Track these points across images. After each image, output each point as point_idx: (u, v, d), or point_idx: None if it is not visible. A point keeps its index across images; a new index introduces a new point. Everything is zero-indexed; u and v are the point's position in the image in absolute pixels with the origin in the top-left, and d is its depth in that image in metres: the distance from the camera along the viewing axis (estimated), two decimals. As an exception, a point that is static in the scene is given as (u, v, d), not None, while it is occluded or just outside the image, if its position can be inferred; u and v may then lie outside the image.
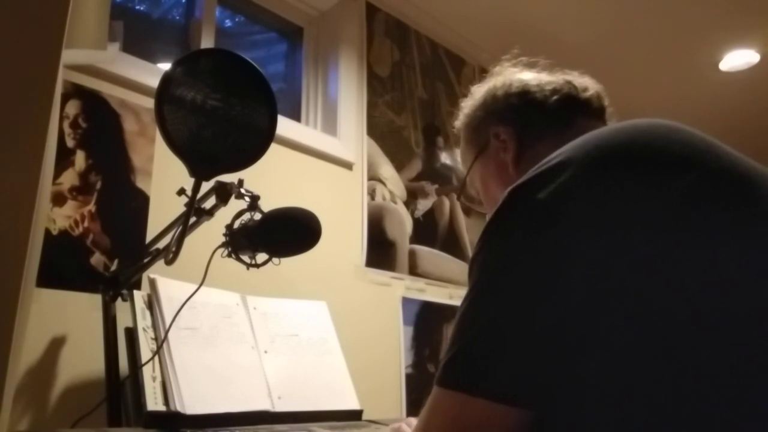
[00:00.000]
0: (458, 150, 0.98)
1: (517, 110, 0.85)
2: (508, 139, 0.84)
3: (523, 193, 0.55)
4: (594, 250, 0.50)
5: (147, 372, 0.99)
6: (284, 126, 1.47)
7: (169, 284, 1.11)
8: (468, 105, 0.93)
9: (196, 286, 1.00)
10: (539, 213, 0.53)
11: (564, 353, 0.49)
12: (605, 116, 0.86)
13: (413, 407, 1.81)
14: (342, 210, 1.82)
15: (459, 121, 0.95)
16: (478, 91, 0.92)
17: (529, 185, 0.55)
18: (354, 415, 1.20)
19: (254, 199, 0.96)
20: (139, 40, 1.59)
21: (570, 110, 0.82)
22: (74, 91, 1.30)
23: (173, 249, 0.90)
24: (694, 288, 0.48)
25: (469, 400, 0.51)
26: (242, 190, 0.95)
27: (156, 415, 0.96)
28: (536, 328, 0.50)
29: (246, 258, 0.97)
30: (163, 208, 1.32)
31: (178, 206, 0.90)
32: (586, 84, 0.85)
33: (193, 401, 0.98)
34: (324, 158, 1.80)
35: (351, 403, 1.21)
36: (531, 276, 0.51)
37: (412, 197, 2.07)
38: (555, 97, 0.83)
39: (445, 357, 0.54)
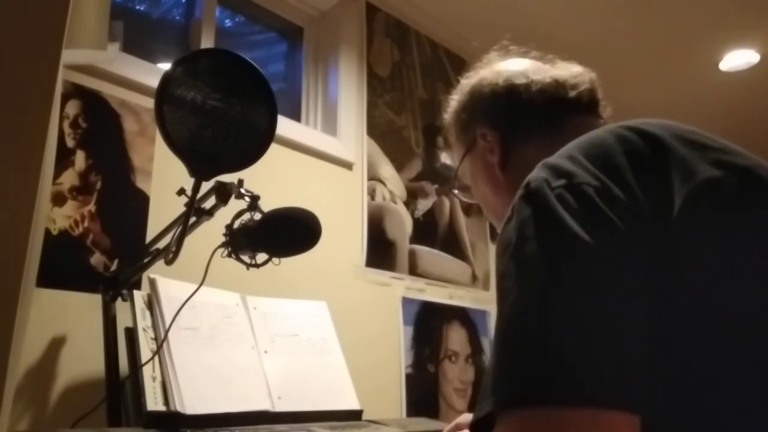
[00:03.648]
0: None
1: (503, 113, 0.83)
2: (494, 143, 0.83)
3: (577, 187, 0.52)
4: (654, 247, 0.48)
5: (147, 372, 0.99)
6: (284, 126, 1.47)
7: (169, 284, 1.11)
8: (456, 100, 0.91)
9: (196, 286, 1.00)
10: (596, 208, 0.49)
11: (660, 351, 0.46)
12: (598, 109, 0.83)
13: (413, 407, 1.81)
14: (342, 210, 1.81)
15: (447, 116, 0.93)
16: (466, 86, 0.89)
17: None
18: (354, 415, 1.20)
19: (254, 199, 0.96)
20: (139, 40, 1.59)
21: (558, 111, 0.80)
22: (74, 91, 1.30)
23: (173, 249, 0.90)
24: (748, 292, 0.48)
25: (576, 412, 0.42)
26: (242, 190, 0.95)
27: (156, 415, 0.96)
28: (632, 324, 0.45)
29: (246, 258, 0.97)
30: (163, 208, 1.32)
31: (178, 206, 0.90)
32: (577, 80, 0.82)
33: (193, 401, 0.98)
34: (324, 158, 1.80)
35: (351, 403, 1.21)
36: (617, 269, 0.47)
37: (412, 197, 2.07)
38: (542, 99, 0.80)
39: (509, 369, 0.46)
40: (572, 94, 0.80)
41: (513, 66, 0.87)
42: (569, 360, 0.43)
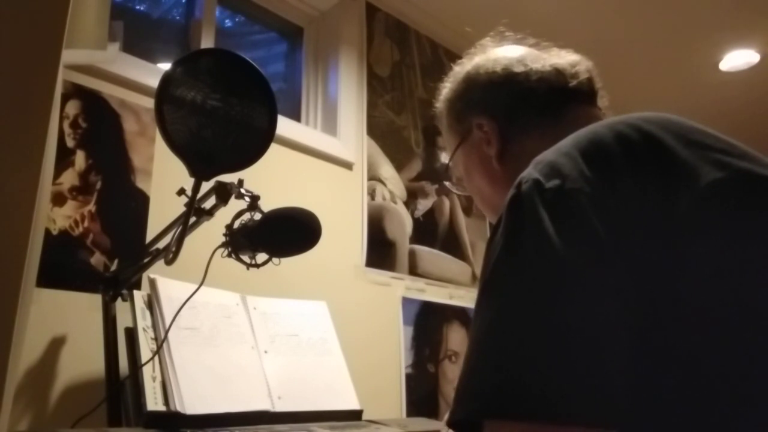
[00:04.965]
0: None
1: (502, 103, 0.79)
2: (491, 133, 0.79)
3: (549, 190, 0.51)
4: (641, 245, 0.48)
5: (147, 372, 0.99)
6: (284, 126, 1.47)
7: (169, 284, 1.11)
8: (449, 88, 0.87)
9: (196, 286, 1.00)
10: (570, 209, 0.50)
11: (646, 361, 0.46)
12: (596, 99, 0.80)
13: (413, 407, 1.81)
14: (342, 210, 1.81)
15: (440, 104, 0.90)
16: (460, 73, 0.86)
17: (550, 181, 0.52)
18: (354, 415, 1.20)
19: (254, 199, 0.96)
20: (139, 40, 1.59)
21: (558, 101, 0.77)
22: (74, 91, 1.30)
23: (173, 249, 0.90)
24: (741, 290, 0.48)
25: (532, 428, 0.43)
26: (242, 190, 0.95)
27: (156, 415, 0.96)
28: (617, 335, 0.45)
29: (246, 258, 0.97)
30: (163, 208, 1.32)
31: (178, 206, 0.90)
32: (576, 69, 0.79)
33: (193, 401, 0.98)
34: (324, 158, 1.80)
35: (351, 403, 1.21)
36: (592, 275, 0.47)
37: (412, 197, 2.07)
38: (542, 88, 0.77)
39: (491, 379, 0.46)
40: (573, 83, 0.77)
41: (510, 53, 0.83)
42: (535, 377, 0.44)
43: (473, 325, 0.51)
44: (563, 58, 0.81)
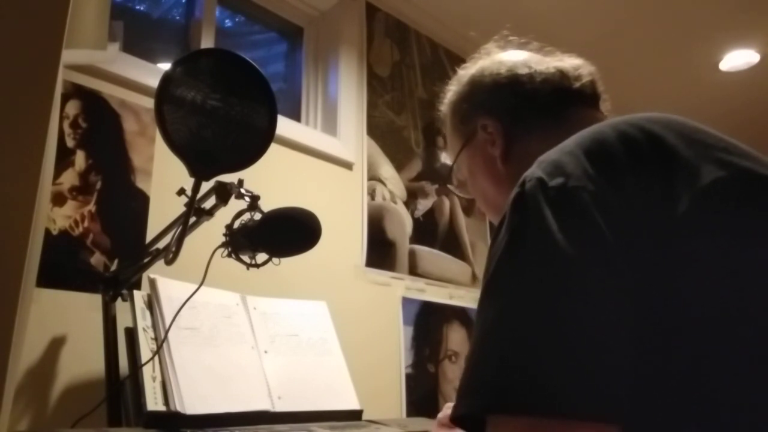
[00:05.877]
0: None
1: (506, 103, 0.80)
2: (495, 134, 0.80)
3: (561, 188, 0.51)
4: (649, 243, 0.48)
5: (147, 372, 0.99)
6: (284, 126, 1.47)
7: (169, 284, 1.11)
8: (454, 91, 0.88)
9: (196, 286, 1.00)
10: (580, 206, 0.50)
11: (651, 356, 0.46)
12: (599, 103, 0.82)
13: (413, 407, 1.81)
14: (342, 210, 1.81)
15: (445, 107, 0.91)
16: (464, 76, 0.87)
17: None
18: (354, 415, 1.20)
19: (254, 199, 0.96)
20: (139, 40, 1.59)
21: (562, 102, 0.78)
22: (74, 91, 1.30)
23: (173, 249, 0.90)
24: (749, 289, 0.48)
25: (567, 425, 0.43)
26: (242, 190, 0.95)
27: (156, 415, 0.96)
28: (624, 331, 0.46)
29: (246, 258, 0.97)
30: (163, 208, 1.32)
31: (178, 206, 0.90)
32: (579, 72, 0.80)
33: (193, 401, 0.98)
34: (324, 158, 1.80)
35: (351, 403, 1.21)
36: (600, 272, 0.47)
37: (412, 197, 2.07)
38: (546, 90, 0.78)
39: (494, 374, 0.46)
40: (576, 85, 0.79)
41: (514, 56, 0.84)
42: (538, 372, 0.44)
43: (476, 323, 0.51)
44: (566, 61, 0.82)
